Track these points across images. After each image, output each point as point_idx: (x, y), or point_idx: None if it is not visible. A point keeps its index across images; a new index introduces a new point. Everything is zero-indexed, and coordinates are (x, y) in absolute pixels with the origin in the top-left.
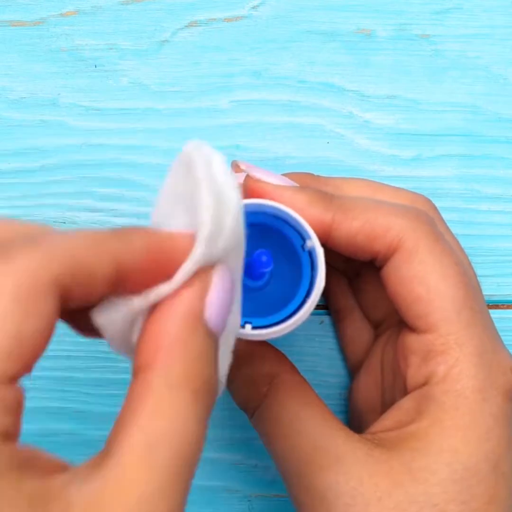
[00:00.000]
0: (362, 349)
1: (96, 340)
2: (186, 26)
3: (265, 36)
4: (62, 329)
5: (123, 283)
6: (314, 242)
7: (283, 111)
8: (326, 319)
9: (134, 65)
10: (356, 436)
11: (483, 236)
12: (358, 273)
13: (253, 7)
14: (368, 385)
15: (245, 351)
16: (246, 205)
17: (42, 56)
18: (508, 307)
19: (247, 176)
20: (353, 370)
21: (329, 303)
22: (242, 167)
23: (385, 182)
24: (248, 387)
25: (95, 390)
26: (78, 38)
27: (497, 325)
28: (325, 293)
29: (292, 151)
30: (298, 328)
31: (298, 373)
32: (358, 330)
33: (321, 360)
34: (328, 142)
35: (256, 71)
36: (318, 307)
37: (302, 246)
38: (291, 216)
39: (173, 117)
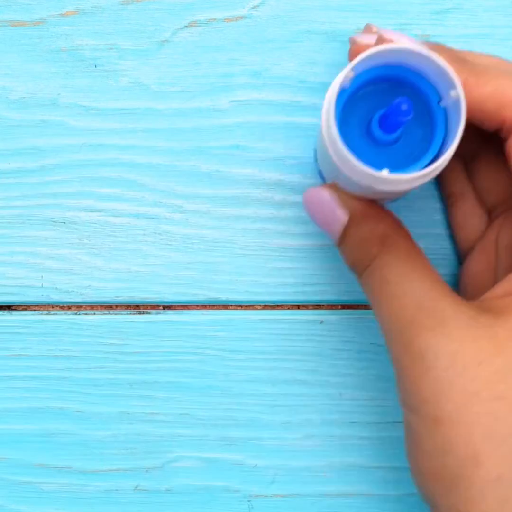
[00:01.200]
0: (474, 233)
1: (96, 340)
2: (186, 26)
3: (265, 36)
4: (62, 329)
5: None
6: (459, 92)
7: (283, 111)
8: (326, 319)
9: (134, 65)
10: (463, 301)
11: None
12: (474, 155)
13: (253, 7)
14: (480, 268)
15: (362, 210)
16: (377, 54)
17: (42, 56)
18: None
19: (379, 36)
20: (463, 254)
21: (441, 187)
22: (374, 29)
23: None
24: (361, 246)
25: (95, 390)
26: (78, 38)
27: None
28: (437, 177)
29: (292, 151)
30: (298, 328)
31: (412, 239)
32: (470, 215)
33: (321, 360)
34: None
35: (256, 71)
36: (318, 307)
37: (438, 102)
38: (434, 62)
39: (173, 117)
